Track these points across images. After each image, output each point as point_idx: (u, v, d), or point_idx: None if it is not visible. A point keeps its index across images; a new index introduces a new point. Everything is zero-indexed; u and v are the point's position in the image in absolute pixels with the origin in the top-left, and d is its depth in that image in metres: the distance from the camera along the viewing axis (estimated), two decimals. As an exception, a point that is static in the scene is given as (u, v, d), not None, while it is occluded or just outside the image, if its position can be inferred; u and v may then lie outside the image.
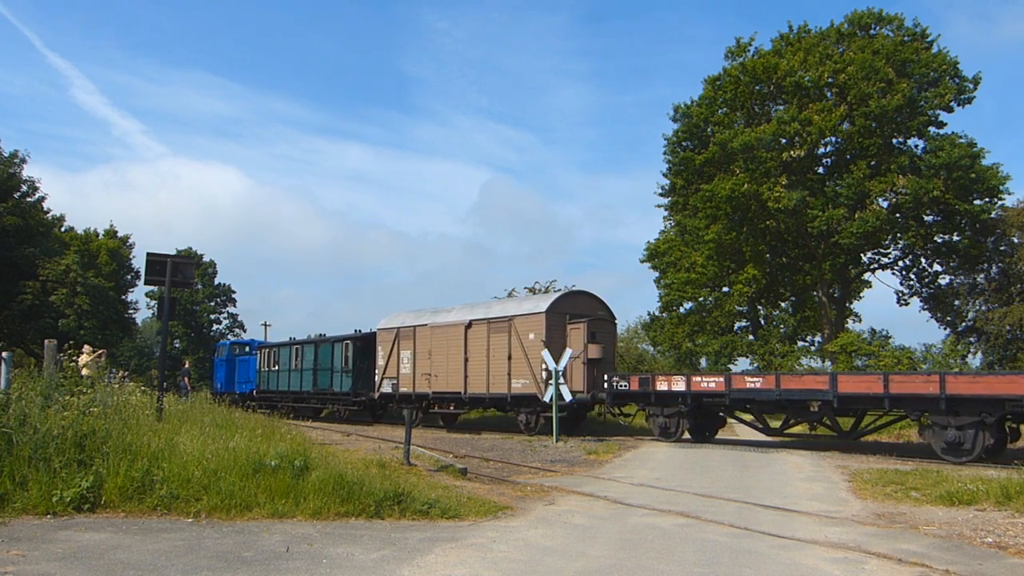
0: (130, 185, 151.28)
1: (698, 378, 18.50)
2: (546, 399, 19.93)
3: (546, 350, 20.42)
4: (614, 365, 22.72)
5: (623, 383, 19.90)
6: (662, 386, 18.92)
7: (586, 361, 20.96)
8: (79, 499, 7.92)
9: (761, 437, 19.70)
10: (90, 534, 7.06)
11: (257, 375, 36.02)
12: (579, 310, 22.08)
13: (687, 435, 19.28)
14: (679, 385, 18.55)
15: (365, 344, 28.55)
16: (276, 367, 34.17)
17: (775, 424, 18.51)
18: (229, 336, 61.03)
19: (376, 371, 27.47)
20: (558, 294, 22.70)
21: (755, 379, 17.42)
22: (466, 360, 23.63)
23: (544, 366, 20.43)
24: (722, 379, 17.89)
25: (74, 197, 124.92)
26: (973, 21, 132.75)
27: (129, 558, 6.27)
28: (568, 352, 19.71)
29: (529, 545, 7.24)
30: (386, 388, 26.89)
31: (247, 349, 38.83)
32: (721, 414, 19.86)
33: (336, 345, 29.76)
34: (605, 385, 20.29)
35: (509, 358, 22.17)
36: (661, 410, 19.18)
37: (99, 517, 7.76)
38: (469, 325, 23.74)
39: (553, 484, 11.58)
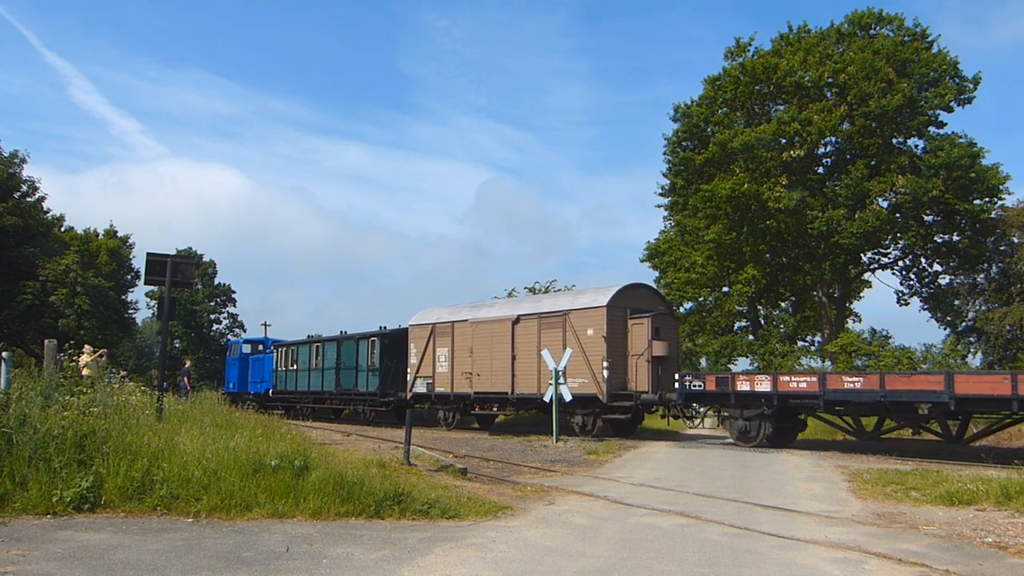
0: (129, 186, 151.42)
1: (786, 378, 17.14)
2: (546, 399, 19.71)
3: (546, 350, 20.22)
4: (679, 364, 21.67)
5: (697, 383, 18.49)
6: (743, 386, 17.59)
7: (650, 359, 19.86)
8: (79, 499, 7.91)
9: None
10: (90, 534, 7.06)
11: (273, 375, 34.38)
12: (639, 305, 20.96)
13: (765, 440, 17.81)
14: (763, 385, 17.23)
15: (393, 341, 26.98)
16: (294, 366, 32.60)
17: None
18: (229, 336, 60.96)
19: (408, 370, 25.96)
20: (617, 287, 21.10)
21: (854, 379, 15.98)
22: (513, 358, 22.24)
23: (605, 364, 19.75)
24: (815, 379, 16.50)
25: (72, 198, 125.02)
26: (964, 24, 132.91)
27: (129, 558, 6.27)
28: (568, 352, 19.50)
29: (529, 545, 7.23)
30: (420, 388, 25.32)
31: (261, 348, 37.21)
32: (801, 416, 18.55)
33: (361, 343, 28.11)
34: (676, 385, 18.87)
35: None
36: (741, 412, 17.83)
37: (99, 517, 7.76)
38: (517, 320, 22.33)
39: (553, 484, 11.57)
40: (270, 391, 34.26)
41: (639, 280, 22.37)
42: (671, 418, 20.38)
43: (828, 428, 19.38)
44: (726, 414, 18.44)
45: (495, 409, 23.42)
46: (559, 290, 36.97)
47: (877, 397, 15.38)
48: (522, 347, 22.10)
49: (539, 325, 21.81)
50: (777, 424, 17.57)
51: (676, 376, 19.15)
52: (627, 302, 20.80)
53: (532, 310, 22.38)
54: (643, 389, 19.85)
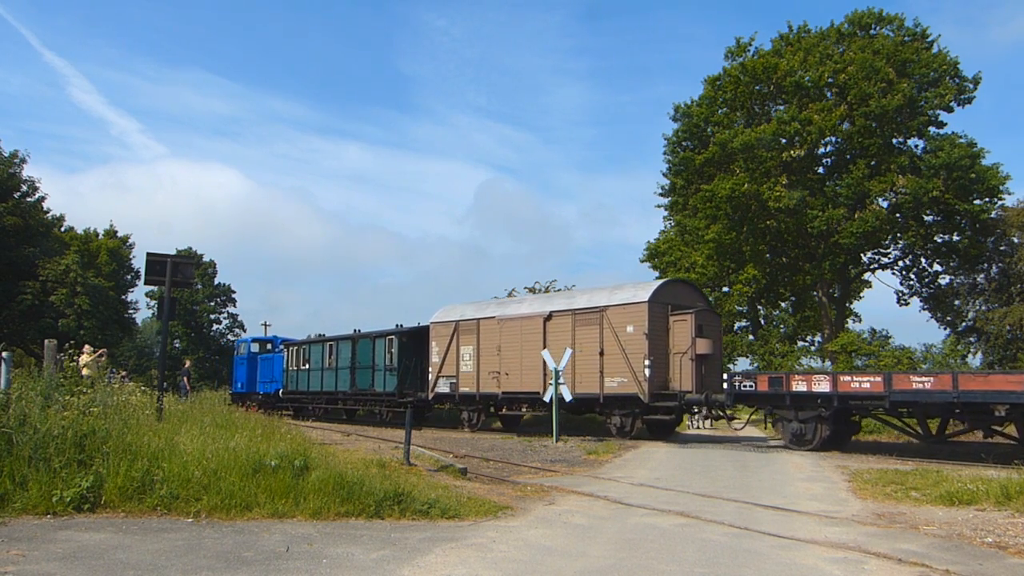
0: (128, 186, 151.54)
1: (847, 377, 16.46)
2: (546, 399, 19.61)
3: (546, 350, 20.14)
4: (722, 362, 21.12)
5: (747, 383, 17.72)
6: (799, 387, 16.80)
7: (693, 357, 19.14)
8: (79, 499, 7.91)
9: (761, 435, 19.64)
10: (90, 534, 7.06)
11: (284, 374, 33.48)
12: (680, 301, 20.27)
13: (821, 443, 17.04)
14: (822, 386, 16.51)
15: (412, 340, 26.19)
16: (306, 366, 31.69)
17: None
18: (230, 336, 60.94)
19: (430, 369, 25.09)
20: (658, 283, 20.39)
21: (924, 379, 15.21)
22: None
23: (647, 362, 19.09)
24: (880, 378, 15.71)
25: (72, 198, 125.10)
26: (960, 26, 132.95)
27: (129, 558, 6.26)
28: (568, 351, 19.40)
29: (529, 545, 7.23)
30: (443, 388, 24.53)
31: (270, 347, 36.37)
32: (855, 418, 17.87)
33: (378, 341, 27.30)
34: (724, 385, 18.19)
35: (601, 354, 20.05)
36: (795, 414, 17.04)
37: (99, 517, 7.76)
38: (549, 317, 21.54)
39: (553, 484, 11.57)
40: (280, 391, 33.59)
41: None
42: (713, 420, 19.96)
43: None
44: (778, 416, 17.73)
45: (524, 410, 22.73)
46: (559, 289, 36.93)
47: (949, 398, 14.61)
48: (555, 345, 20.98)
49: (573, 322, 21.01)
50: (833, 426, 16.87)
51: (725, 376, 18.65)
52: (668, 298, 20.14)
53: (565, 306, 21.59)
54: (687, 389, 19.16)
